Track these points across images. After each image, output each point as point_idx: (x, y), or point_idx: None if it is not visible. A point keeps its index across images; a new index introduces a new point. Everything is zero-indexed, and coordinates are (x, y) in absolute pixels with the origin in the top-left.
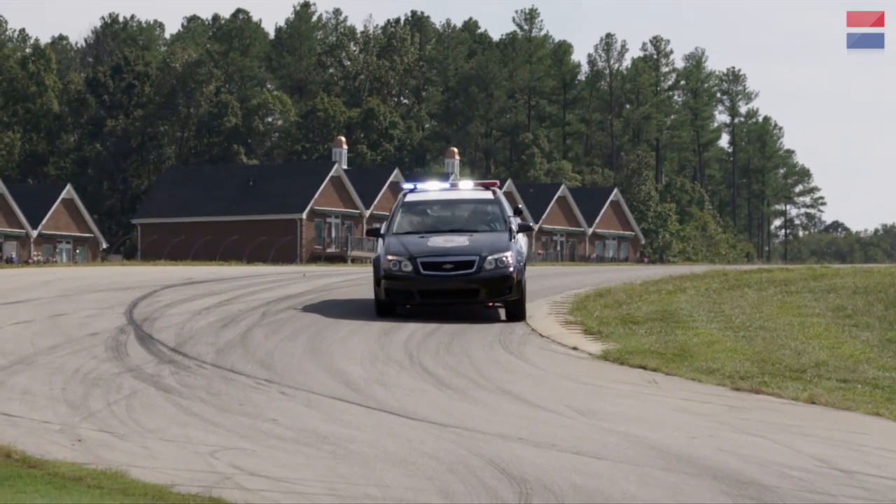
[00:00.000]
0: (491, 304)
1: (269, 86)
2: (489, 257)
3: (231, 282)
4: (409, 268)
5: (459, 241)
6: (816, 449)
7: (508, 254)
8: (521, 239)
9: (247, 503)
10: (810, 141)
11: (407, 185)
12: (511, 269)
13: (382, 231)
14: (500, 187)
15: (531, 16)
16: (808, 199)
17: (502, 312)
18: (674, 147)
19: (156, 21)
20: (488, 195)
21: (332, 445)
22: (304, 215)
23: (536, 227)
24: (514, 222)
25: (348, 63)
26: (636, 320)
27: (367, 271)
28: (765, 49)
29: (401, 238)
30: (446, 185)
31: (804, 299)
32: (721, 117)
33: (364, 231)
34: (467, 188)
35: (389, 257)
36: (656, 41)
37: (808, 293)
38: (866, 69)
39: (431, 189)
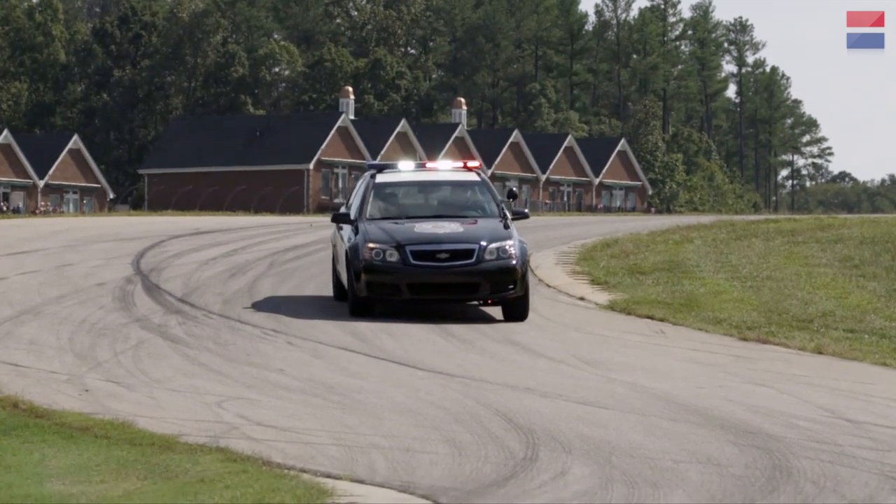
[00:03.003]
0: (490, 301)
1: (276, 36)
2: (490, 246)
3: (238, 232)
4: (396, 257)
5: (452, 227)
6: (823, 399)
7: (510, 242)
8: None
9: (254, 453)
10: (818, 91)
11: (372, 165)
12: (515, 261)
13: (353, 216)
14: (507, 140)
15: None
16: (815, 150)
17: (497, 312)
18: (681, 97)
19: None
20: (472, 177)
21: (339, 395)
22: (312, 166)
23: (544, 178)
24: (506, 208)
25: (355, 13)
26: (643, 270)
27: None
28: None
29: (380, 224)
30: (419, 164)
31: (811, 249)
32: (728, 67)
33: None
34: (446, 168)
35: (371, 245)
36: None
37: (815, 243)
38: None
39: (405, 169)
